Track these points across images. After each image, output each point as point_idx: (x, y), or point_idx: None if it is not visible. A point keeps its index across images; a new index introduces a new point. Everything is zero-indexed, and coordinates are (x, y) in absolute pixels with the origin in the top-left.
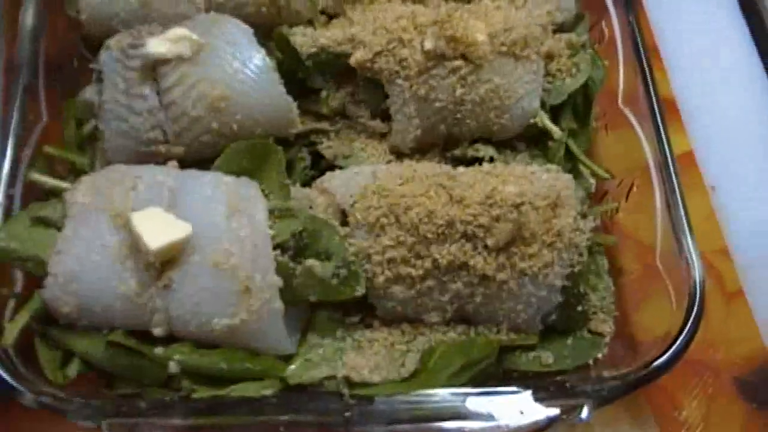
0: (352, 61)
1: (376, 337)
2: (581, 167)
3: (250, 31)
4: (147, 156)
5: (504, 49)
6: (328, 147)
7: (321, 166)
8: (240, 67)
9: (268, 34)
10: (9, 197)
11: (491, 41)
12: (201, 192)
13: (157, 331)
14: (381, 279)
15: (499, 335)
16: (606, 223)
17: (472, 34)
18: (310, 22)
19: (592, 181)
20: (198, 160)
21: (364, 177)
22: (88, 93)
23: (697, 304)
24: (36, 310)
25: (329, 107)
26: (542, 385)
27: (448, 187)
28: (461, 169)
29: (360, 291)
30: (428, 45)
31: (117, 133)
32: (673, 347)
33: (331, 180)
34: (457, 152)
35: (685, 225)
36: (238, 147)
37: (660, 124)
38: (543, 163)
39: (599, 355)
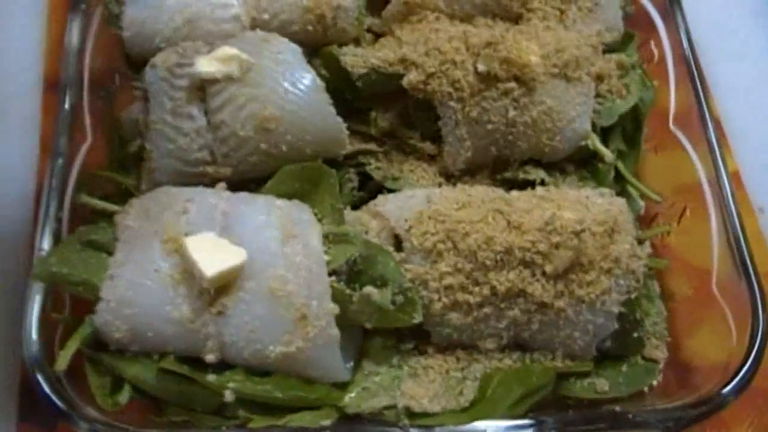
0: (405, 82)
1: (431, 364)
2: (630, 189)
3: (299, 50)
4: (194, 177)
5: (556, 70)
6: (376, 168)
7: (368, 187)
8: (290, 88)
9: (313, 53)
10: (58, 220)
11: (543, 63)
12: (254, 217)
13: (210, 358)
14: (438, 306)
15: (555, 362)
16: (656, 245)
17: (526, 55)
18: (355, 41)
19: (642, 203)
20: (244, 180)
21: (419, 201)
22: (133, 112)
23: (762, 328)
24: (87, 336)
25: (378, 128)
26: (605, 416)
27: (505, 213)
28: (514, 192)
29: (418, 318)
30: (481, 67)
31: (164, 153)
32: (741, 373)
33: (385, 204)
34: (508, 174)
35: (745, 248)
36: (290, 169)
37: (715, 145)
38: (593, 186)
39: (653, 382)
